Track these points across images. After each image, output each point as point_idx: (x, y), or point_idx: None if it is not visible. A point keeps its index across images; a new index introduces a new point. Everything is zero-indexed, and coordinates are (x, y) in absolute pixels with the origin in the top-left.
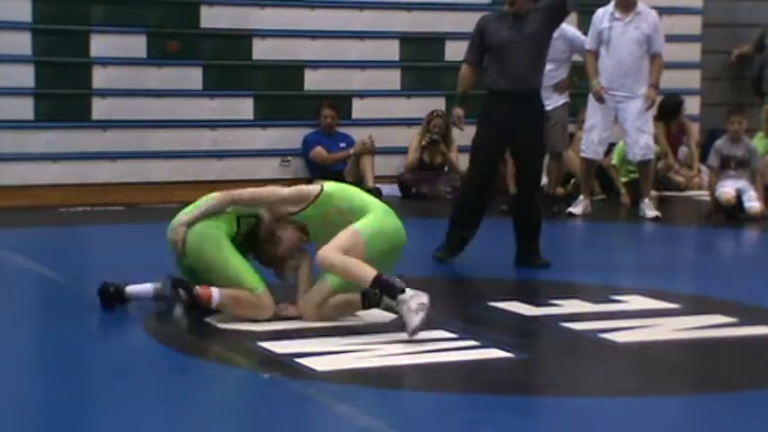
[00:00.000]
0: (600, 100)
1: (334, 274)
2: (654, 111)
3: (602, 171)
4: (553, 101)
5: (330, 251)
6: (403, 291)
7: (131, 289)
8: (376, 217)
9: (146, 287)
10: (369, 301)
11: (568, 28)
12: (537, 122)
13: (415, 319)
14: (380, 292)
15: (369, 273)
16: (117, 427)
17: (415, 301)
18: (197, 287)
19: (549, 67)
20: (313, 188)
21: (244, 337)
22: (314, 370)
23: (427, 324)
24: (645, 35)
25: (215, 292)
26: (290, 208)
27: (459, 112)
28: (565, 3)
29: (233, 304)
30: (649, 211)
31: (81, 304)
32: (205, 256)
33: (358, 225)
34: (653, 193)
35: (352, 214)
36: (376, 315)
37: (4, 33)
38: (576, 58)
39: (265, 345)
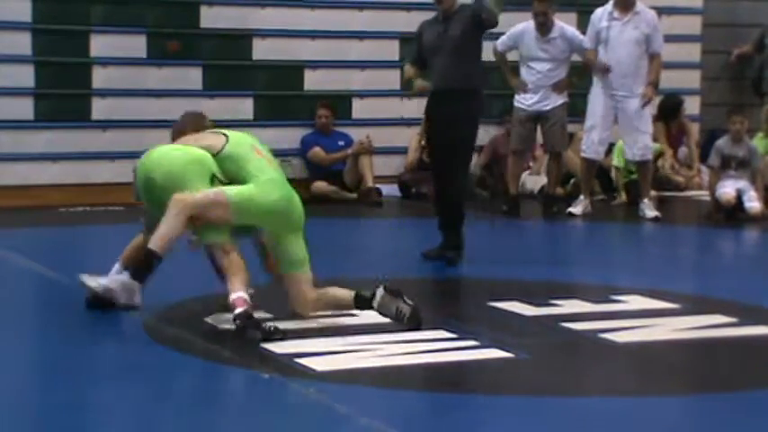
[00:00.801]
0: (605, 71)
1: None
2: (653, 110)
3: (603, 171)
4: (552, 101)
5: (184, 201)
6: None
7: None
8: (253, 192)
9: (113, 272)
10: (360, 304)
11: (567, 28)
12: (461, 120)
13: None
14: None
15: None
16: (116, 428)
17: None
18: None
19: (548, 66)
20: (214, 144)
21: (244, 337)
22: (314, 370)
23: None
24: (644, 35)
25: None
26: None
27: (418, 84)
28: (480, 18)
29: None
30: (649, 211)
31: (81, 304)
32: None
33: (230, 192)
34: (653, 193)
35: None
36: (375, 315)
37: (4, 33)
38: (575, 58)
39: (265, 345)
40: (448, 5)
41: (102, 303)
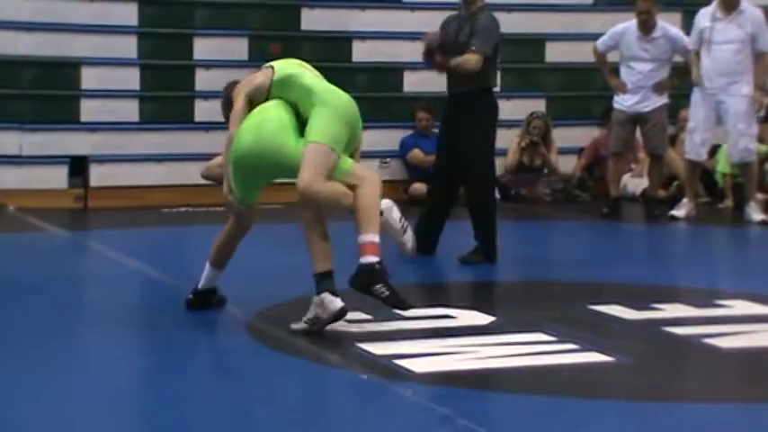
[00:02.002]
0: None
1: (316, 201)
2: (763, 111)
3: (707, 174)
4: (652, 102)
5: (313, 180)
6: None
7: (202, 284)
8: (327, 113)
9: (206, 271)
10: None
11: (671, 28)
12: (473, 122)
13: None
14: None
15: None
16: (217, 427)
17: (328, 305)
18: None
19: (649, 67)
20: (264, 81)
21: (342, 338)
22: (412, 371)
23: (528, 326)
24: (748, 34)
25: (372, 237)
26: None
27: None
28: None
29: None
30: (755, 214)
31: (183, 303)
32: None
33: (322, 138)
34: (760, 196)
35: (306, 95)
36: (474, 317)
37: (112, 37)
38: (677, 58)
39: (363, 346)
40: (471, 3)
41: (201, 303)
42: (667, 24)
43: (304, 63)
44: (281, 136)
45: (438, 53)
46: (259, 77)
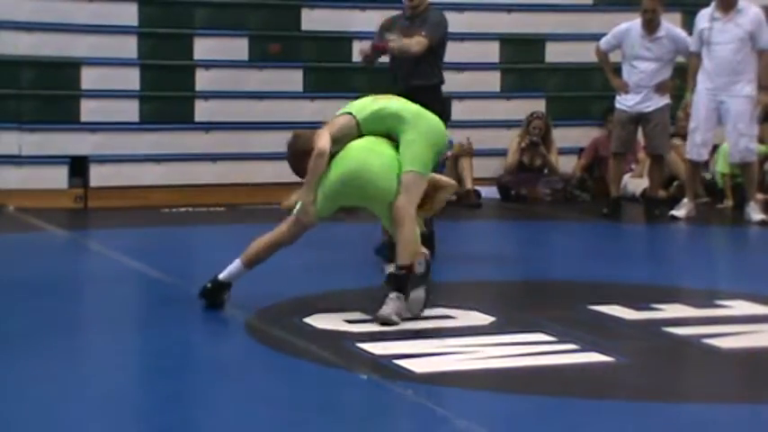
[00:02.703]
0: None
1: (398, 225)
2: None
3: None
4: (654, 102)
5: (410, 205)
6: (400, 290)
7: (224, 276)
8: (419, 139)
9: (234, 266)
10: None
11: (674, 28)
12: None
13: (387, 310)
14: (392, 280)
15: (410, 258)
16: (216, 427)
17: (397, 304)
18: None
19: (652, 66)
20: (348, 122)
21: (342, 338)
22: (412, 372)
23: (526, 326)
24: (747, 32)
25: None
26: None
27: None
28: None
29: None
30: (755, 214)
31: (183, 303)
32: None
33: (417, 167)
34: (760, 196)
35: (396, 122)
36: (474, 317)
37: (112, 37)
38: (680, 59)
39: (364, 346)
40: (416, 4)
41: (215, 295)
42: (671, 25)
43: (377, 96)
44: (385, 173)
45: (379, 40)
46: (341, 120)
